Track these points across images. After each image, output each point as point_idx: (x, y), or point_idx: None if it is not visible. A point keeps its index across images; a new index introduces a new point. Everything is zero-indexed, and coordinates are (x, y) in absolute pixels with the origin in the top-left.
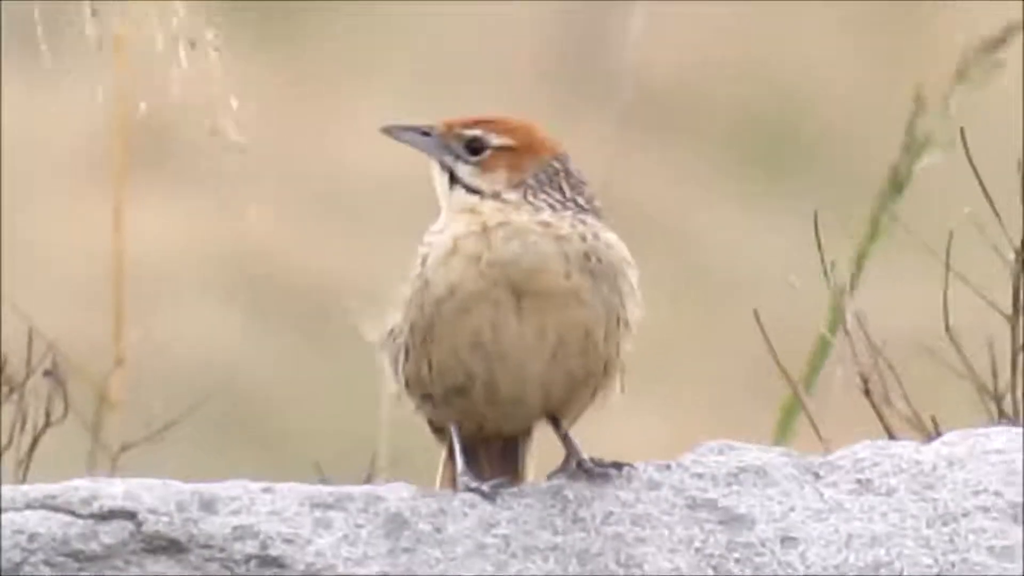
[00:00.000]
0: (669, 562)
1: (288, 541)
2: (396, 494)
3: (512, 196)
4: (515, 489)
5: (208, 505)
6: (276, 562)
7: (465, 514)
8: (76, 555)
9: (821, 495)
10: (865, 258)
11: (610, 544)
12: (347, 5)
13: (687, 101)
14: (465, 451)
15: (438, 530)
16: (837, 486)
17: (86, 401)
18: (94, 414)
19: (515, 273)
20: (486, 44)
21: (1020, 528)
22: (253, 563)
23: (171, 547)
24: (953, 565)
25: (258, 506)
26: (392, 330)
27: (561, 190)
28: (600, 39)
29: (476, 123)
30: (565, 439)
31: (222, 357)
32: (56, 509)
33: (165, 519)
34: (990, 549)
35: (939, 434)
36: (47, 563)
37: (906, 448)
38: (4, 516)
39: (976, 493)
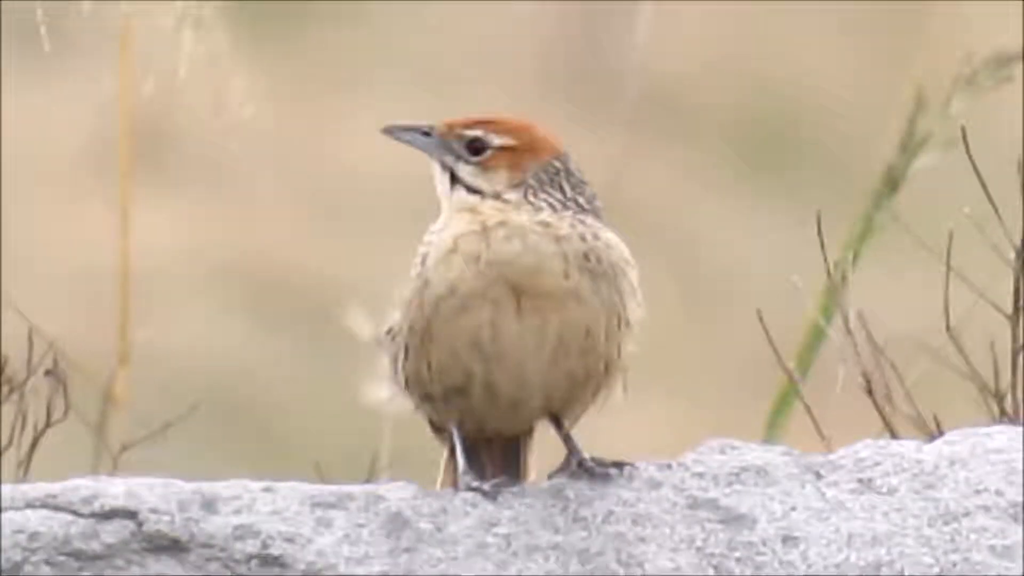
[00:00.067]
0: (670, 561)
1: (289, 540)
2: (397, 493)
3: (512, 196)
4: (516, 488)
5: (209, 504)
6: (277, 561)
7: (466, 513)
8: (77, 554)
9: (822, 494)
10: (858, 256)
11: (611, 543)
12: (348, 6)
13: (688, 101)
14: (466, 450)
15: (439, 529)
16: (838, 485)
17: (89, 401)
18: (97, 414)
19: (514, 272)
20: (489, 44)
21: (1021, 527)
22: (254, 562)
23: (172, 546)
24: (954, 564)
25: (259, 505)
26: (391, 329)
27: (562, 190)
28: (603, 40)
29: (477, 123)
30: (566, 439)
31: (223, 357)
32: (57, 508)
33: (166, 518)
34: (991, 548)
35: (941, 433)
36: (48, 562)
37: (907, 447)
38: (5, 515)
39: (977, 492)
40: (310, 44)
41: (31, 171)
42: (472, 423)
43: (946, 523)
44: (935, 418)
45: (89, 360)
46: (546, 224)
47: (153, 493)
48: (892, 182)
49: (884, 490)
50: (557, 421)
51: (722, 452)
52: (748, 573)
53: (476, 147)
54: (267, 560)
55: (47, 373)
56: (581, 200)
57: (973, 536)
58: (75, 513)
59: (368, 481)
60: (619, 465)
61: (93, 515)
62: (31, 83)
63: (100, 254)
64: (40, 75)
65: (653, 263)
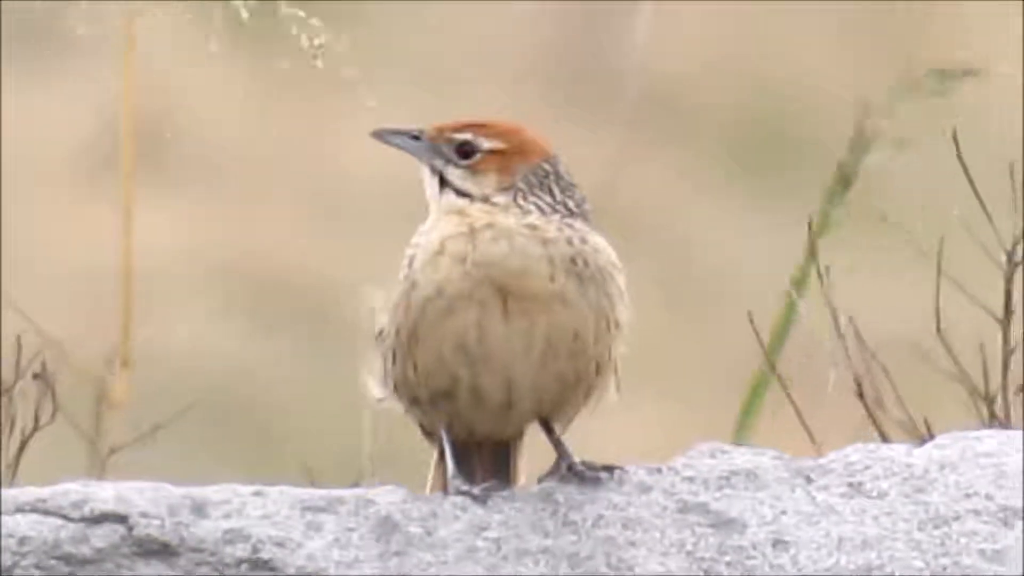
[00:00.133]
0: (660, 565)
1: (279, 544)
2: (387, 497)
3: (501, 199)
4: (506, 492)
5: (199, 509)
6: (267, 565)
7: (456, 517)
8: (67, 559)
9: (812, 498)
10: (817, 253)
11: (601, 547)
12: (348, 6)
13: (687, 101)
14: (456, 454)
15: (429, 533)
16: (828, 489)
17: (89, 402)
18: (94, 416)
19: (500, 274)
20: (489, 44)
21: (1011, 531)
22: (244, 566)
23: (162, 551)
24: (944, 568)
25: (249, 509)
26: (380, 332)
27: (551, 193)
28: (603, 41)
29: (466, 127)
30: (556, 443)
31: (222, 357)
32: (47, 512)
33: (156, 523)
34: (981, 552)
35: (931, 437)
36: (38, 567)
37: (897, 451)
38: None
39: (967, 496)
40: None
41: (31, 171)
42: (460, 427)
43: (936, 527)
44: (925, 422)
45: (88, 361)
46: (533, 227)
47: (143, 497)
48: (844, 180)
49: (874, 494)
50: (547, 425)
51: (712, 456)
52: None
53: (465, 150)
54: (257, 564)
55: (35, 376)
56: (570, 203)
57: (963, 540)
58: (65, 517)
59: (357, 484)
60: (609, 469)
61: (83, 519)
62: (31, 83)
63: (100, 254)
64: (40, 75)
65: (646, 264)
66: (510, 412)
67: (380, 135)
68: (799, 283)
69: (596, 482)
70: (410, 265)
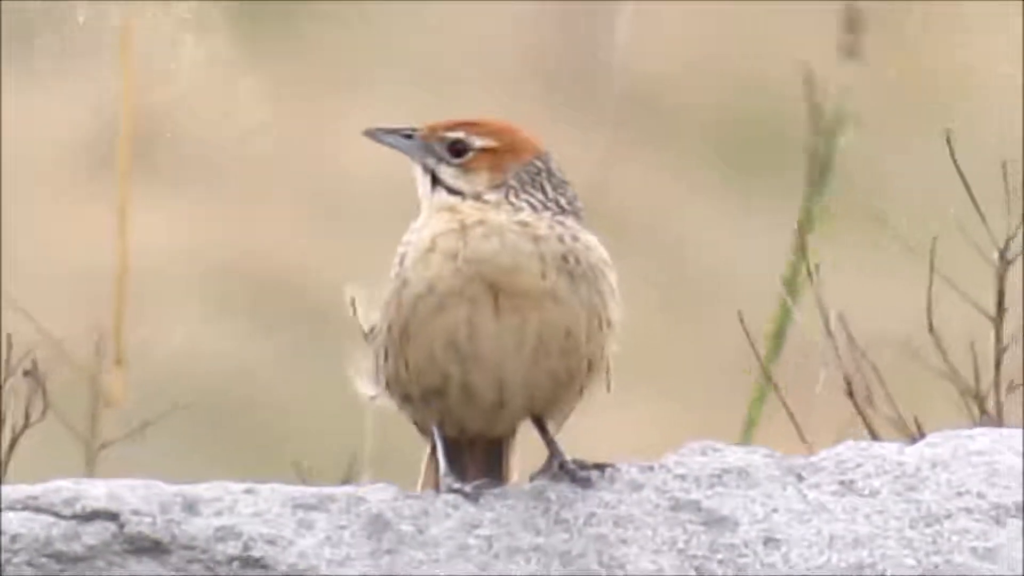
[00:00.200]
0: (652, 563)
1: (270, 542)
2: (378, 495)
3: (493, 196)
4: (498, 490)
5: (191, 506)
6: (258, 563)
7: (448, 515)
8: (58, 556)
9: (804, 496)
10: (806, 250)
11: (593, 545)
12: (348, 6)
13: (673, 101)
14: (448, 451)
15: (420, 531)
16: (820, 487)
17: (85, 401)
18: (89, 415)
19: (491, 271)
20: (489, 44)
21: (1003, 529)
22: (235, 564)
23: (154, 548)
24: (936, 566)
25: (240, 507)
26: (372, 329)
27: (543, 190)
28: (587, 41)
29: (458, 125)
30: (548, 441)
31: (221, 357)
32: (38, 510)
33: (148, 520)
34: (973, 550)
35: (922, 435)
36: (29, 564)
37: (889, 449)
38: None
39: (959, 494)
40: (310, 44)
41: (30, 171)
42: (452, 424)
43: (928, 525)
44: (916, 420)
45: (86, 360)
46: (524, 224)
47: (135, 495)
48: (822, 167)
49: (866, 492)
50: (540, 423)
51: (704, 454)
52: (730, 575)
53: (458, 149)
54: (248, 562)
55: (26, 373)
56: (562, 201)
57: (955, 538)
58: (57, 515)
59: (347, 482)
60: (601, 467)
61: (75, 517)
62: (31, 83)
63: (100, 254)
64: (40, 75)
65: (638, 264)
66: (502, 410)
67: (373, 134)
68: (790, 282)
69: (587, 481)
70: (401, 263)
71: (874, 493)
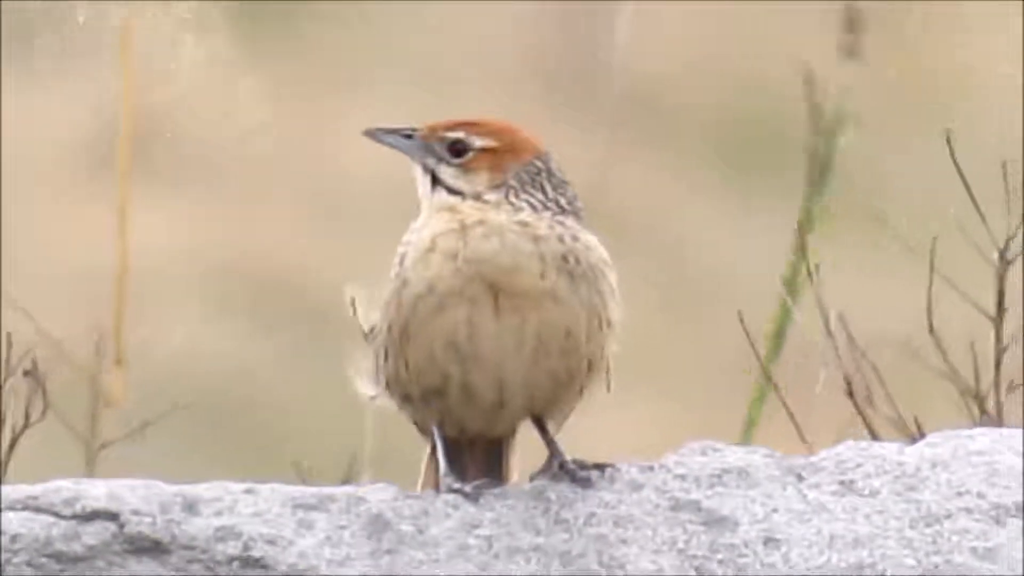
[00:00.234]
0: (652, 563)
1: (270, 542)
2: (378, 495)
3: (493, 196)
4: (498, 490)
5: (191, 506)
6: (258, 563)
7: (448, 515)
8: (58, 556)
9: (804, 496)
10: (806, 249)
11: (593, 545)
12: (348, 6)
13: (673, 101)
14: (448, 451)
15: (420, 531)
16: (820, 487)
17: (85, 401)
18: (90, 414)
19: (491, 271)
20: (489, 44)
21: (1003, 529)
22: (235, 564)
23: (154, 548)
24: (936, 566)
25: (240, 507)
26: (372, 329)
27: (543, 190)
28: (587, 41)
29: (458, 125)
30: (549, 441)
31: (221, 357)
32: (39, 510)
33: (148, 520)
34: (973, 550)
35: (922, 435)
36: (29, 564)
37: (889, 449)
38: None
39: (959, 494)
40: (310, 44)
41: (30, 171)
42: (452, 424)
43: (928, 525)
44: (916, 420)
45: (87, 360)
46: (524, 224)
47: (135, 495)
48: (822, 167)
49: (866, 492)
50: (540, 423)
51: (704, 454)
52: (730, 575)
53: (458, 149)
54: (248, 562)
55: (26, 373)
56: (562, 201)
57: (955, 538)
58: (57, 515)
59: (348, 482)
60: (600, 467)
61: (75, 517)
62: (31, 83)
63: (100, 254)
64: (40, 75)
65: (638, 264)
66: (501, 410)
67: (373, 134)
68: (790, 282)
69: (587, 481)
70: (401, 263)
71: (874, 493)
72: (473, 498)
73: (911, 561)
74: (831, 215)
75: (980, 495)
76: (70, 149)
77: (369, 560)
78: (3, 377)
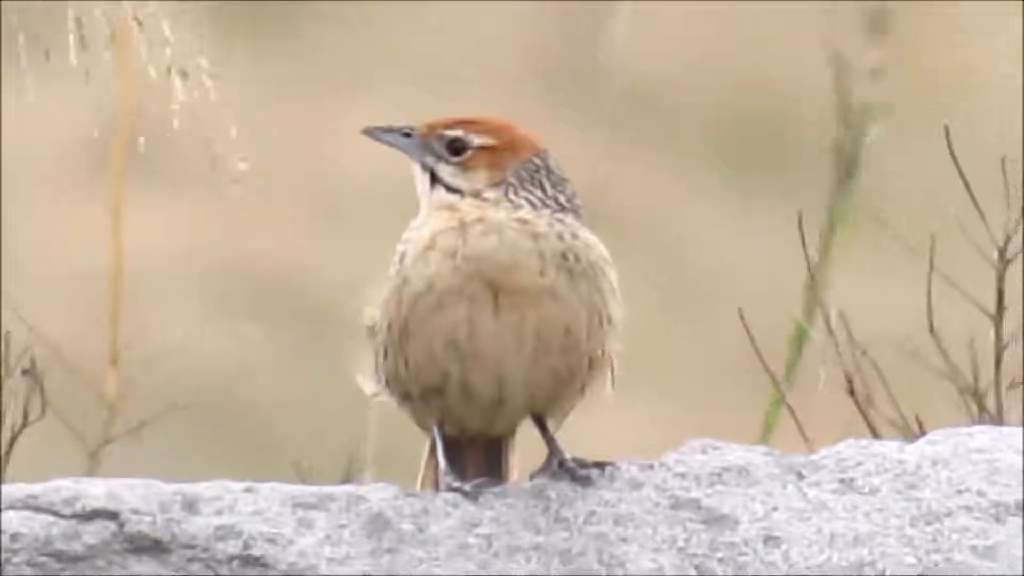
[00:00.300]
0: (652, 562)
1: (270, 541)
2: (378, 494)
3: (492, 194)
4: (498, 489)
5: (190, 505)
6: (258, 562)
7: (448, 514)
8: (58, 555)
9: (804, 494)
10: (831, 247)
11: (593, 544)
12: (348, 6)
13: (673, 101)
14: (448, 450)
15: (420, 530)
16: (820, 485)
17: (83, 402)
18: (91, 415)
19: (490, 268)
20: (489, 44)
21: (1003, 527)
22: (235, 563)
23: (154, 547)
24: (936, 564)
25: (240, 506)
26: (372, 328)
27: (542, 187)
28: (587, 41)
29: (457, 123)
30: (549, 439)
31: (220, 357)
32: (39, 509)
33: (148, 519)
34: (973, 548)
35: (922, 433)
36: (29, 563)
37: (889, 447)
38: None
39: (959, 492)
40: (310, 44)
41: (30, 171)
42: (451, 423)
43: (928, 523)
44: (917, 418)
45: (86, 361)
46: (524, 221)
47: (134, 494)
48: (849, 165)
49: (866, 490)
50: (540, 421)
51: (704, 452)
52: (730, 573)
53: (456, 147)
54: (248, 561)
55: (24, 373)
56: (561, 198)
57: (955, 536)
58: (56, 514)
59: (347, 481)
60: (600, 465)
61: (75, 516)
62: (31, 83)
63: (99, 254)
64: (40, 75)
65: (639, 263)
66: (501, 408)
67: (371, 133)
68: (813, 285)
69: (587, 480)
70: (401, 261)
71: (874, 491)
72: (473, 497)
73: (911, 559)
74: (858, 214)
75: (980, 493)
76: (69, 149)
77: (369, 559)
78: (2, 376)
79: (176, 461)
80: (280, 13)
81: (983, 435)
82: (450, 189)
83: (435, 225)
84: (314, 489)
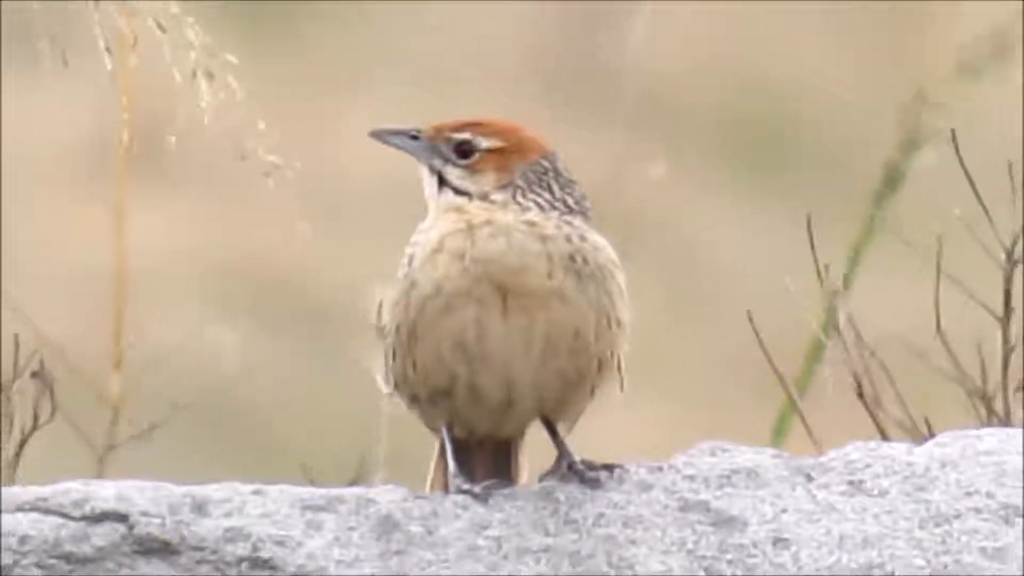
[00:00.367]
0: (661, 564)
1: (279, 543)
2: (387, 496)
3: (500, 197)
4: (507, 491)
5: (200, 507)
6: (267, 564)
7: (457, 516)
8: (68, 557)
9: (813, 496)
10: (861, 257)
11: (602, 546)
12: (348, 6)
13: (682, 101)
14: (457, 452)
15: (430, 532)
16: (829, 487)
17: (87, 403)
18: (93, 416)
19: (498, 271)
20: (489, 44)
21: (1012, 529)
22: (244, 565)
23: (163, 549)
24: (945, 566)
25: (249, 508)
26: (382, 330)
27: (550, 190)
28: (587, 41)
29: (465, 126)
30: (558, 442)
31: (221, 358)
32: (48, 511)
33: (157, 521)
34: (982, 550)
35: (931, 435)
36: (39, 565)
37: (898, 449)
38: None
39: (968, 494)
40: (310, 44)
41: (31, 171)
42: (460, 425)
43: (937, 525)
44: (926, 420)
45: (87, 362)
46: (532, 223)
47: (144, 496)
48: (892, 182)
49: (875, 492)
50: (550, 424)
51: (713, 454)
52: (739, 575)
53: (464, 150)
54: (257, 563)
55: (34, 375)
56: (570, 201)
57: (964, 538)
58: (66, 516)
59: (356, 483)
60: (609, 468)
61: (84, 518)
62: (31, 83)
63: (100, 255)
64: (40, 75)
65: (647, 264)
66: (510, 410)
67: (378, 135)
68: (839, 293)
69: (596, 482)
70: (409, 263)
71: (883, 493)
72: (482, 499)
73: (920, 561)
74: (893, 226)
75: (989, 495)
76: (70, 149)
77: (378, 561)
78: (6, 378)
79: (178, 461)
80: (280, 13)
81: (991, 437)
82: (458, 192)
83: (443, 228)
84: (323, 491)
